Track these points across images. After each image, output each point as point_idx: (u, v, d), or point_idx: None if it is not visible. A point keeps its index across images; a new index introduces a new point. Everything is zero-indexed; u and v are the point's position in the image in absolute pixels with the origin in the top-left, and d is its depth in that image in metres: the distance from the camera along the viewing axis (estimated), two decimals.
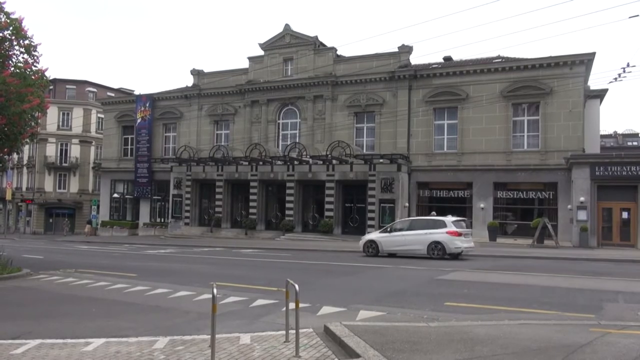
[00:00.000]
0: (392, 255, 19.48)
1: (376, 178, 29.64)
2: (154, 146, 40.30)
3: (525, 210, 29.15)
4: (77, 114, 54.31)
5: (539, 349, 5.79)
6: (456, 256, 18.70)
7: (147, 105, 40.37)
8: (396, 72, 31.62)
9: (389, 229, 20.25)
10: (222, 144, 37.22)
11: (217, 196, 35.14)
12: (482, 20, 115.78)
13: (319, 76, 34.09)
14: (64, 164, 54.28)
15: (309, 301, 9.22)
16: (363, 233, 29.88)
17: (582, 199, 24.89)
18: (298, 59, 35.42)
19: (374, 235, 20.87)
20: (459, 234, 18.44)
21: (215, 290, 5.57)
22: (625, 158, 25.22)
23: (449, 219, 19.16)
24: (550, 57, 28.21)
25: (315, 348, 6.26)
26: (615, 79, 22.70)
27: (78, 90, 56.78)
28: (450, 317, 8.00)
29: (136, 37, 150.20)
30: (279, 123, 36.20)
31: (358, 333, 6.47)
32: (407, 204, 30.37)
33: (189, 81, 41.79)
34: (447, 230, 18.43)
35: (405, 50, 32.46)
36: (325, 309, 8.83)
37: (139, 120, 40.64)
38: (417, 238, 18.86)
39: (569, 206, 26.14)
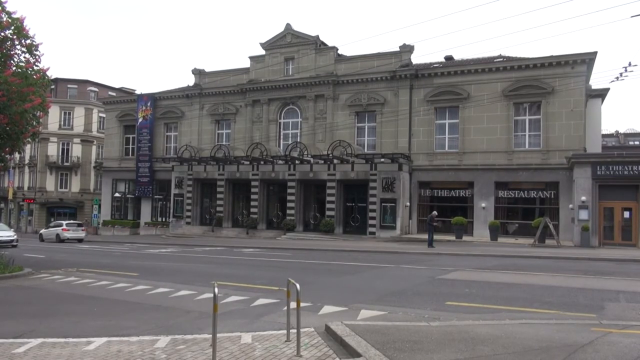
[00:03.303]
0: (46, 240, 33.88)
1: (377, 177, 29.63)
2: (155, 145, 40.35)
3: (526, 209, 29.12)
4: (79, 113, 54.41)
5: (540, 349, 5.79)
6: (80, 240, 33.14)
7: (149, 104, 40.41)
8: (397, 71, 31.60)
9: (48, 227, 36.11)
10: (224, 143, 37.24)
11: (219, 195, 35.18)
12: (483, 19, 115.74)
13: (320, 75, 34.08)
14: (65, 164, 54.36)
15: (310, 300, 9.23)
16: (364, 232, 30.07)
17: (583, 198, 24.86)
18: (299, 59, 35.42)
19: (42, 230, 36.55)
20: (68, 230, 33.18)
21: (216, 290, 5.58)
22: (626, 157, 25.13)
23: (64, 222, 35.48)
24: (552, 57, 28.15)
25: (316, 347, 6.26)
26: (617, 78, 22.60)
27: (79, 90, 56.82)
28: (452, 317, 7.99)
29: (138, 37, 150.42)
30: (280, 122, 36.21)
31: (359, 332, 6.48)
32: (408, 204, 30.37)
33: (190, 80, 41.81)
34: (62, 227, 33.56)
35: (407, 49, 32.43)
36: (327, 309, 8.84)
37: (140, 120, 40.70)
38: (53, 232, 34.04)
39: (571, 205, 26.10)
